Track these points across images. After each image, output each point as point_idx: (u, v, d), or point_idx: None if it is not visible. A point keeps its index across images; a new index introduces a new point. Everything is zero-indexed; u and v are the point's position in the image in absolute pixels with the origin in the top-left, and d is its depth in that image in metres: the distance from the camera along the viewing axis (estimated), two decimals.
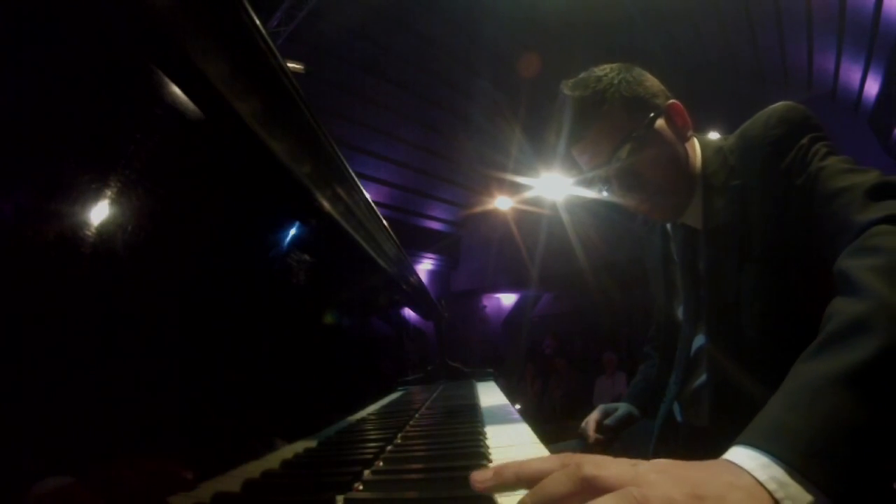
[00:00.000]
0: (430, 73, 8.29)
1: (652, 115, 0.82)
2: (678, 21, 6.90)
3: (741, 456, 0.39)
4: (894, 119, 6.27)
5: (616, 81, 0.82)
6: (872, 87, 6.59)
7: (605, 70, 0.85)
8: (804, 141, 0.73)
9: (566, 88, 0.85)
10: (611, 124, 0.81)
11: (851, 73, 6.76)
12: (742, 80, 7.29)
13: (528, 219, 9.53)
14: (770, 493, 0.36)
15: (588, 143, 0.83)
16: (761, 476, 0.37)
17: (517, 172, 8.97)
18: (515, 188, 9.42)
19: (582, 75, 0.86)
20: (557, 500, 0.35)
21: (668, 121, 0.85)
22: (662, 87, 0.88)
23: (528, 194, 8.87)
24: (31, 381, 0.34)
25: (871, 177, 0.63)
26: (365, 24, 7.01)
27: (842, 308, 0.46)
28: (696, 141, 0.89)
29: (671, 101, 0.86)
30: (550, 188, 7.88)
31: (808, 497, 0.36)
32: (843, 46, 6.37)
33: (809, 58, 6.92)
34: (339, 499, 0.46)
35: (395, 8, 7.01)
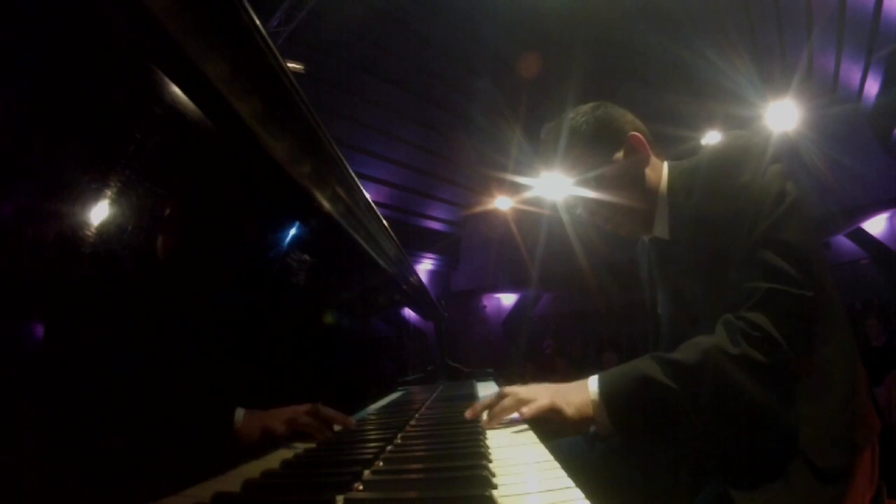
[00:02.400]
0: (429, 72, 8.28)
1: (610, 148, 0.95)
2: (678, 22, 6.89)
3: (592, 378, 0.81)
4: (894, 119, 6.27)
5: (580, 123, 0.96)
6: (872, 87, 6.59)
7: (575, 113, 0.98)
8: (747, 177, 0.82)
9: (543, 133, 1.00)
10: (575, 160, 0.96)
11: (851, 73, 6.76)
12: (742, 79, 7.28)
13: (528, 219, 9.52)
14: (592, 402, 0.78)
15: (563, 172, 0.98)
16: (592, 391, 0.79)
17: (517, 172, 8.96)
18: (515, 188, 9.42)
19: (558, 119, 1.00)
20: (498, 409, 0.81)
21: (629, 152, 0.96)
22: (630, 120, 0.98)
23: (528, 194, 8.87)
24: (31, 380, 0.34)
25: (778, 271, 0.75)
26: (364, 24, 7.00)
27: (699, 340, 0.77)
28: (664, 164, 0.99)
29: (631, 133, 0.96)
30: (550, 188, 7.88)
31: (606, 415, 0.77)
32: (843, 46, 6.37)
33: (810, 58, 6.92)
34: (339, 499, 0.46)
35: (394, 8, 7.00)
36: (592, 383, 0.80)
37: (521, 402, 0.80)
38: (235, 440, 0.58)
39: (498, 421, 0.81)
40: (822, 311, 0.78)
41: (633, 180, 0.95)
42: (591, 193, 0.96)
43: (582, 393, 0.80)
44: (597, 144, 0.95)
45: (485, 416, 0.85)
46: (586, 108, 0.99)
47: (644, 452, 0.95)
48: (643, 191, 0.96)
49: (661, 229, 0.96)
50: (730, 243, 0.81)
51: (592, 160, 0.95)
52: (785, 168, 0.84)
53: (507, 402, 0.82)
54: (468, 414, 0.86)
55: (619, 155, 0.95)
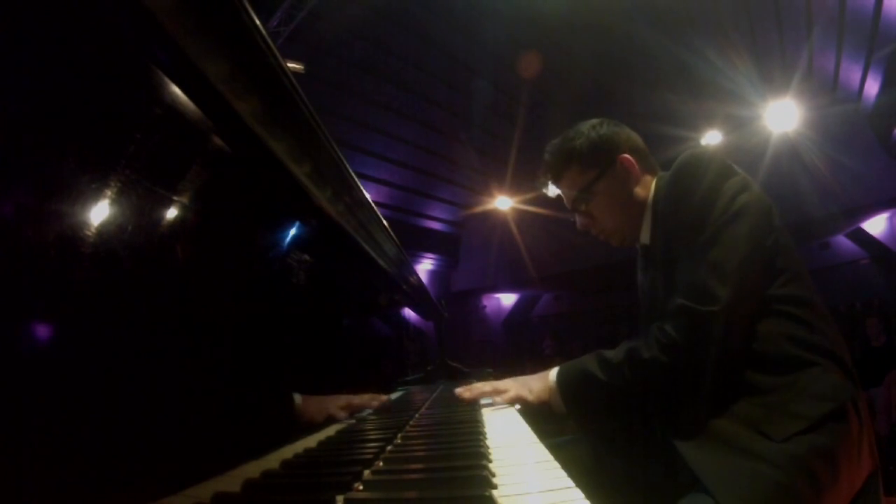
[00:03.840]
0: (429, 73, 8.28)
1: (601, 169, 1.06)
2: (678, 21, 6.90)
3: (554, 369, 0.99)
4: (894, 119, 6.27)
5: (576, 145, 1.07)
6: (872, 87, 6.58)
7: (575, 132, 1.08)
8: (701, 190, 0.90)
9: (546, 153, 1.12)
10: (571, 180, 1.09)
11: (851, 73, 6.76)
12: (742, 79, 7.29)
13: (528, 219, 9.53)
14: (550, 389, 0.97)
15: (560, 189, 1.13)
16: (551, 379, 0.98)
17: (517, 172, 8.97)
18: (515, 188, 9.43)
19: (560, 138, 1.11)
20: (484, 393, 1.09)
21: (618, 172, 1.05)
22: (625, 138, 1.07)
23: (528, 194, 8.88)
24: (32, 380, 0.34)
25: (693, 287, 0.86)
26: (365, 24, 7.01)
27: (628, 343, 0.91)
28: (655, 178, 1.07)
29: (620, 156, 1.05)
30: (550, 187, 7.87)
31: (559, 397, 0.95)
32: (843, 46, 6.37)
33: (809, 58, 6.92)
34: (339, 499, 0.46)
35: (394, 8, 7.01)
36: (552, 373, 0.99)
37: (496, 391, 1.06)
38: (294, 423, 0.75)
39: (472, 395, 1.10)
40: (764, 313, 0.86)
41: (620, 198, 1.06)
42: (582, 208, 1.09)
43: (542, 381, 1.01)
44: (589, 166, 1.07)
45: (482, 400, 1.12)
46: (586, 127, 1.09)
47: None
48: (630, 207, 1.06)
49: (645, 235, 1.06)
50: (679, 251, 0.91)
51: (584, 179, 1.07)
52: (743, 180, 0.91)
53: (485, 387, 1.10)
54: (463, 395, 1.11)
55: (610, 175, 1.06)
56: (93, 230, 0.39)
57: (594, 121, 1.09)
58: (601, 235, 1.11)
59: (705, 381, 0.85)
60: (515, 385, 1.03)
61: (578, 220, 1.12)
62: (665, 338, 0.86)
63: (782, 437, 0.76)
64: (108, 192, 0.41)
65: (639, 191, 1.06)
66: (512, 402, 1.03)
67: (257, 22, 0.49)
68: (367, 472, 0.54)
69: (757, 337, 0.85)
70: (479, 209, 10.25)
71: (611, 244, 1.13)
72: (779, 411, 0.79)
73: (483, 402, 1.14)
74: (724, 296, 0.83)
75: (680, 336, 0.85)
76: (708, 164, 0.93)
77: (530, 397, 1.00)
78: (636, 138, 1.09)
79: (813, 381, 0.81)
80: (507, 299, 12.24)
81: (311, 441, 0.74)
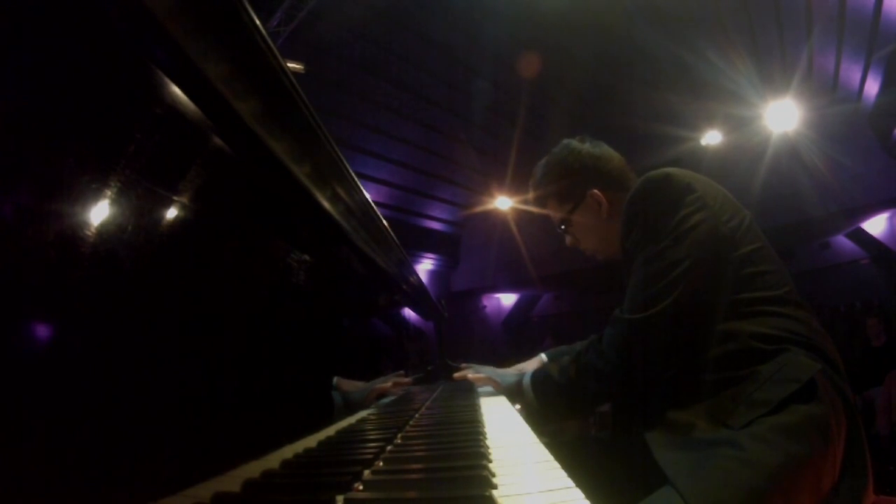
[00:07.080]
0: (429, 73, 8.28)
1: (574, 203, 1.19)
2: (678, 21, 6.89)
3: (529, 372, 1.18)
4: (894, 119, 6.27)
5: (552, 181, 1.20)
6: (872, 87, 6.58)
7: (549, 168, 1.21)
8: (646, 222, 0.97)
9: (530, 181, 1.26)
10: (552, 210, 1.24)
11: (851, 73, 6.76)
12: (742, 79, 7.28)
13: (528, 219, 9.53)
14: (524, 385, 1.15)
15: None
16: (526, 380, 1.16)
17: (517, 172, 8.96)
18: (515, 188, 9.42)
19: (541, 166, 1.23)
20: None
21: (590, 204, 1.17)
22: (595, 169, 1.17)
23: (527, 194, 8.88)
24: (32, 380, 0.34)
25: (628, 299, 0.96)
26: (365, 24, 7.01)
27: (580, 347, 1.10)
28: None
29: (591, 192, 1.16)
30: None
31: (531, 392, 1.13)
32: (842, 46, 6.37)
33: (809, 58, 6.92)
34: (339, 499, 0.46)
35: (395, 8, 7.01)
36: (528, 374, 1.17)
37: (475, 377, 1.37)
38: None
39: (459, 374, 1.42)
40: (700, 319, 0.90)
41: (594, 224, 1.19)
42: (566, 231, 1.24)
43: (516, 377, 1.23)
44: (563, 201, 1.21)
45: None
46: (560, 158, 1.19)
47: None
48: (605, 230, 1.17)
49: None
50: (632, 268, 0.98)
51: (562, 211, 1.21)
52: (699, 200, 0.93)
53: (468, 372, 1.39)
54: (456, 375, 1.44)
55: (582, 208, 1.18)
56: (93, 230, 0.39)
57: (569, 149, 1.20)
58: (587, 253, 1.26)
59: (636, 382, 0.97)
60: (494, 373, 1.33)
61: (566, 239, 1.27)
62: (600, 343, 0.99)
63: (743, 424, 0.78)
64: (108, 192, 0.41)
65: (611, 215, 1.15)
66: (483, 383, 1.36)
67: (257, 22, 0.49)
68: (367, 472, 0.54)
69: (723, 337, 0.88)
70: (479, 209, 10.25)
71: (597, 259, 1.25)
72: (742, 402, 0.81)
73: (481, 390, 1.37)
74: (653, 308, 0.90)
75: (605, 343, 0.98)
76: (661, 189, 0.97)
77: (502, 384, 1.26)
78: (609, 162, 1.18)
79: (778, 367, 0.82)
80: (507, 299, 12.24)
81: (311, 441, 0.74)
